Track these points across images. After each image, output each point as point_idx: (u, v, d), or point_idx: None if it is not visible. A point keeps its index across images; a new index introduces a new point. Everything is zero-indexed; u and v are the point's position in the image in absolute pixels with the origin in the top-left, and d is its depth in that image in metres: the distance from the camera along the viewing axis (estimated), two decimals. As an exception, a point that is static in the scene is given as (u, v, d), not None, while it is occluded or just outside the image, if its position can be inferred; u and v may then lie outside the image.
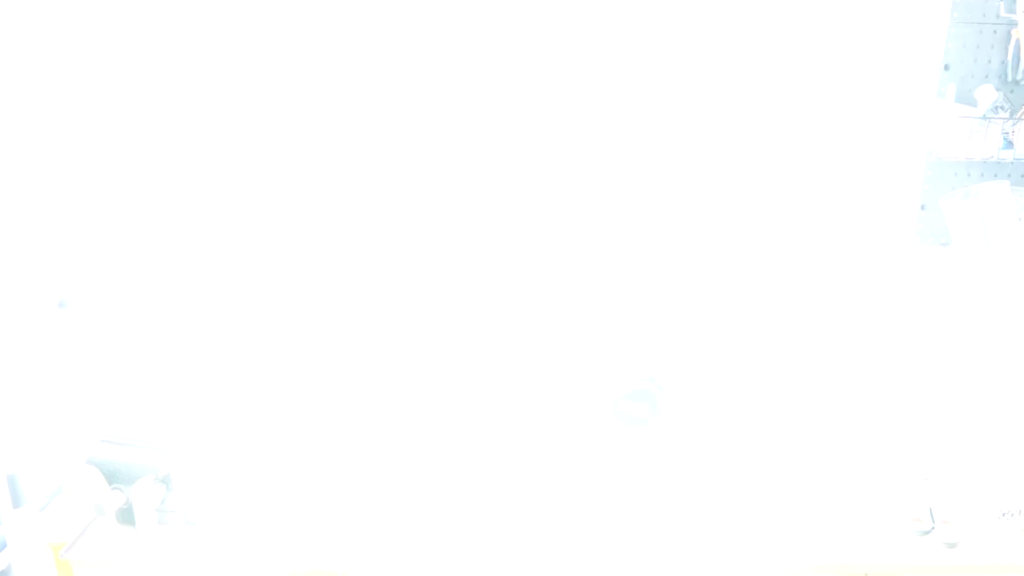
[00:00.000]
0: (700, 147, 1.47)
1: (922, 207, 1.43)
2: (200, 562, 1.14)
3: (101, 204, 1.55)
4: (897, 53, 1.38)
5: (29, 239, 1.48)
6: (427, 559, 1.14)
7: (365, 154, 1.53)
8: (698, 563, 1.12)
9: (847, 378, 1.51)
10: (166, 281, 1.60)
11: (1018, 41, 1.33)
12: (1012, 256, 1.38)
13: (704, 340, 1.55)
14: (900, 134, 1.43)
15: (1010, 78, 1.35)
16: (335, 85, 1.48)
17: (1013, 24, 1.32)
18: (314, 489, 1.28)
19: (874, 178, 1.46)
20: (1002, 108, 1.35)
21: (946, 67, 1.36)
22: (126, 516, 1.12)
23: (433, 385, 1.60)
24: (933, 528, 1.16)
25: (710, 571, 1.12)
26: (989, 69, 1.36)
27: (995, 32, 1.34)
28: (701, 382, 1.54)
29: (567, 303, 1.56)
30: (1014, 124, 1.36)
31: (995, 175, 1.40)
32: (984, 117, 1.36)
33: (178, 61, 1.47)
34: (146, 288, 1.60)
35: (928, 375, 1.48)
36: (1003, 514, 1.19)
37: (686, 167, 1.48)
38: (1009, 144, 1.37)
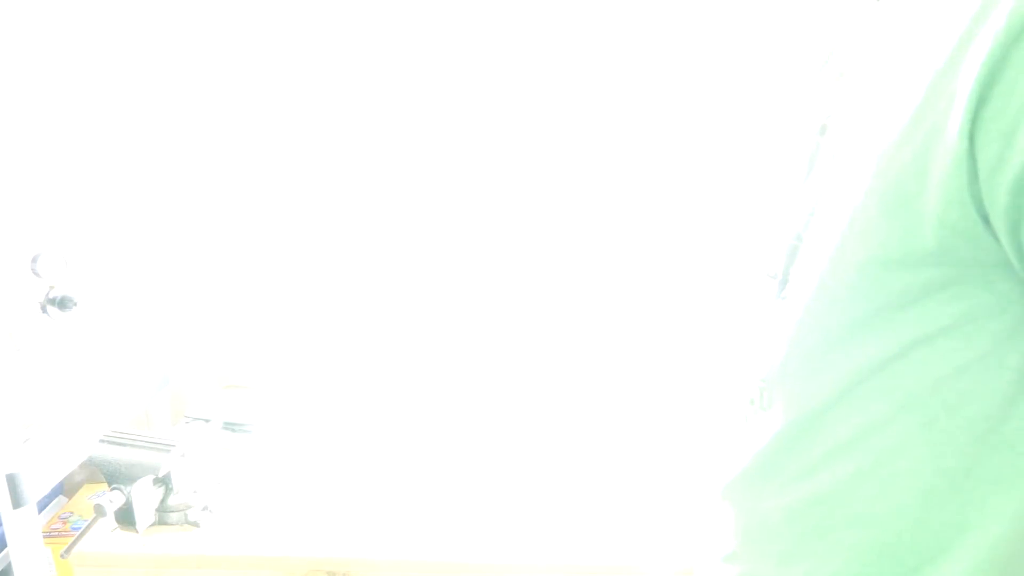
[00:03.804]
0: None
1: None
2: (200, 562, 1.14)
3: (101, 203, 1.55)
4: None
5: (27, 238, 1.48)
6: (429, 559, 1.14)
7: (371, 155, 1.53)
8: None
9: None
10: (166, 281, 1.60)
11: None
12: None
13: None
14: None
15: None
16: (336, 86, 1.48)
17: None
18: (315, 487, 1.28)
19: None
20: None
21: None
22: (126, 516, 1.12)
23: (420, 388, 1.60)
24: None
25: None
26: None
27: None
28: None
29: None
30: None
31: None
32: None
33: (178, 61, 1.47)
34: (146, 287, 1.60)
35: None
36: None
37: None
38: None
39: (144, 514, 1.13)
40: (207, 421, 1.45)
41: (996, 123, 0.38)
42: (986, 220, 0.41)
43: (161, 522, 1.18)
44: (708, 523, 0.65)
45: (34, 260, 1.41)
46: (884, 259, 0.45)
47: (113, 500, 1.10)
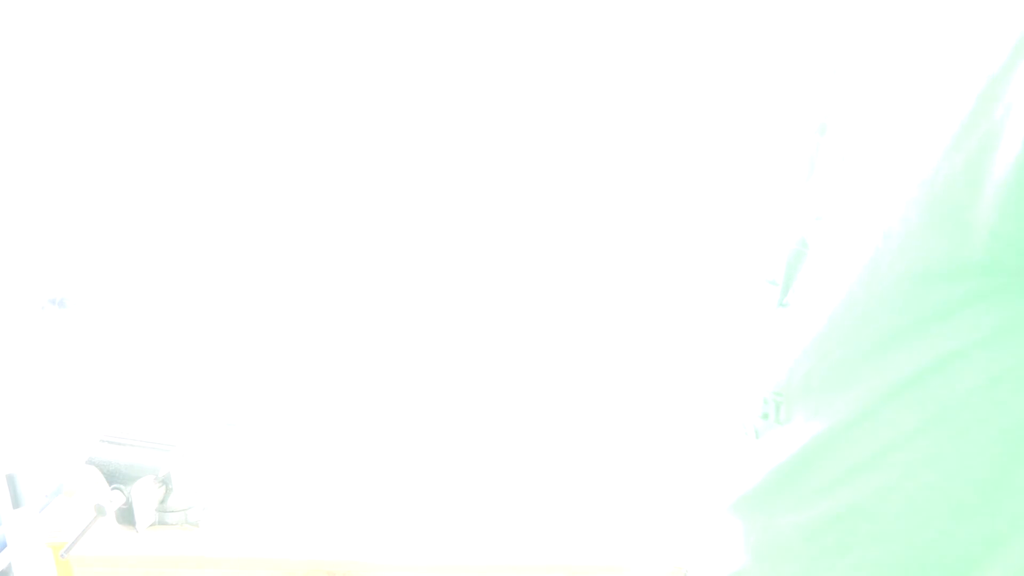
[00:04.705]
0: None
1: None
2: (200, 562, 1.14)
3: (100, 203, 1.55)
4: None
5: (28, 238, 1.48)
6: (428, 560, 1.14)
7: (370, 154, 1.53)
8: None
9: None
10: (166, 281, 1.60)
11: None
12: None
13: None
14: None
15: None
16: (335, 85, 1.48)
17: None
18: (315, 488, 1.28)
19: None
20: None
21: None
22: (126, 516, 1.12)
23: (419, 390, 1.60)
24: None
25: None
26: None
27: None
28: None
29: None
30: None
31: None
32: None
33: (177, 61, 1.47)
34: (146, 288, 1.60)
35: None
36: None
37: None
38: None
39: (144, 514, 1.13)
40: (207, 421, 1.45)
41: None
42: None
43: (161, 522, 1.18)
44: (713, 538, 0.63)
45: (35, 261, 1.41)
46: (926, 271, 0.44)
47: (113, 500, 1.10)
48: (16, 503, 1.24)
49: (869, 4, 0.55)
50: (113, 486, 1.12)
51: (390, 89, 1.48)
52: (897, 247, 0.45)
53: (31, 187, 1.49)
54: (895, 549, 0.49)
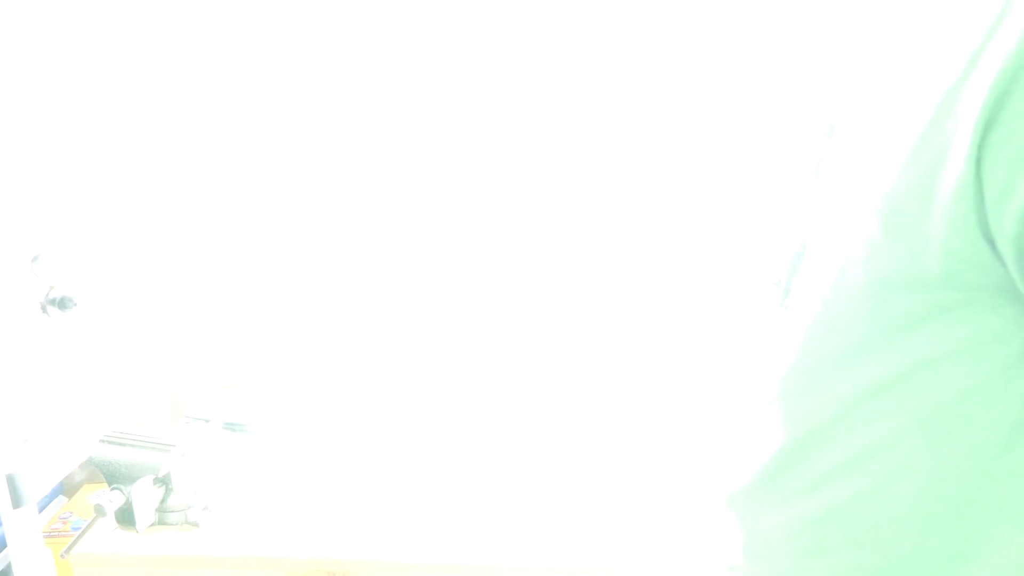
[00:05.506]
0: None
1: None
2: (200, 562, 1.14)
3: (100, 203, 1.55)
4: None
5: (27, 238, 1.48)
6: (429, 560, 1.13)
7: (371, 156, 1.53)
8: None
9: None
10: (167, 280, 1.60)
11: None
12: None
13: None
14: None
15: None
16: (335, 86, 1.48)
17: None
18: (315, 488, 1.28)
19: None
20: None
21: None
22: (126, 516, 1.12)
23: (420, 389, 1.60)
24: None
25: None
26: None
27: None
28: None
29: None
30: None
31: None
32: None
33: (177, 60, 1.47)
34: (146, 288, 1.60)
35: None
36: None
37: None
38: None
39: (144, 514, 1.13)
40: (207, 421, 1.45)
41: (1004, 148, 0.36)
42: (992, 246, 0.39)
43: (161, 522, 1.18)
44: (715, 532, 0.64)
45: (34, 260, 1.41)
46: (888, 281, 0.44)
47: (113, 500, 1.10)
48: (16, 503, 1.24)
49: (875, 4, 0.55)
50: (113, 486, 1.12)
51: (390, 89, 1.48)
52: (861, 256, 0.45)
53: (32, 187, 1.49)
54: (869, 557, 0.49)
